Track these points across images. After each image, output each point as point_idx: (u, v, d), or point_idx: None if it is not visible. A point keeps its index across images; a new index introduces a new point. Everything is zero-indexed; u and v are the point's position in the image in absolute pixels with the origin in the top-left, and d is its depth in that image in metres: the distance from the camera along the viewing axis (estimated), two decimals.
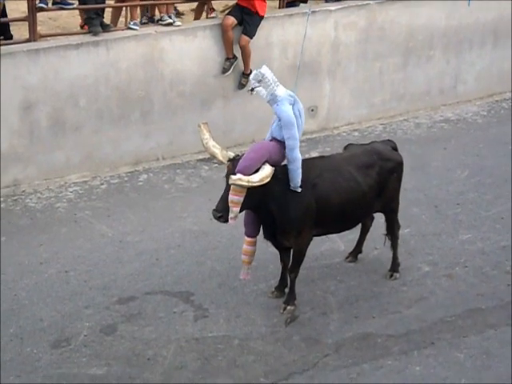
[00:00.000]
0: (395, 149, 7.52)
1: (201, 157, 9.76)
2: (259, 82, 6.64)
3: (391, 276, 7.59)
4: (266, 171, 6.49)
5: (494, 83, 12.14)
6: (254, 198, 6.50)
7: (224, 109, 9.96)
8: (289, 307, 7.07)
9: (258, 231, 6.99)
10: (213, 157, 6.90)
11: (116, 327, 6.82)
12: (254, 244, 7.02)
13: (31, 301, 7.07)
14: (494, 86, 12.15)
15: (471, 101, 11.95)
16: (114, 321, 6.90)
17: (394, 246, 7.59)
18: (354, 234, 7.73)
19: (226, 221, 6.53)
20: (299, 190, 6.65)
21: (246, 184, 6.36)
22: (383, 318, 7.08)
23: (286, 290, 7.19)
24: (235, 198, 6.44)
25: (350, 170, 7.01)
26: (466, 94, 11.95)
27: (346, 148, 7.55)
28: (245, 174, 6.40)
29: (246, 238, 7.02)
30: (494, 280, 7.65)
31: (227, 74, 9.76)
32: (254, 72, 6.70)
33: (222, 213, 6.52)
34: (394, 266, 7.62)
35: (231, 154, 6.73)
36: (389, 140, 7.85)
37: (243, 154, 6.67)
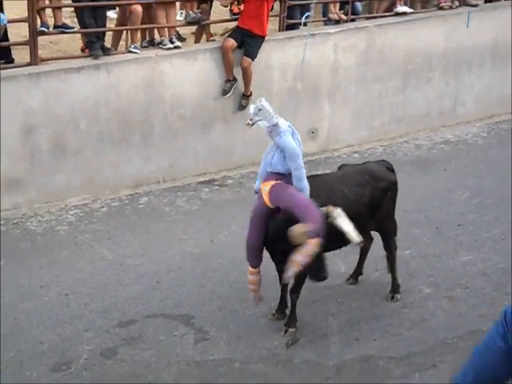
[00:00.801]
0: (390, 169, 7.53)
1: (201, 179, 9.79)
2: (258, 115, 6.60)
3: (392, 298, 7.57)
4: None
5: (493, 104, 12.19)
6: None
7: (224, 131, 9.99)
8: (290, 329, 7.05)
9: (261, 260, 6.98)
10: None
11: (116, 350, 6.79)
12: (258, 273, 7.00)
13: (31, 324, 7.05)
14: (493, 108, 12.20)
15: (471, 122, 12.00)
16: (115, 344, 6.87)
17: (393, 267, 7.58)
18: (354, 255, 7.72)
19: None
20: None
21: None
22: (384, 340, 7.04)
23: (287, 312, 7.17)
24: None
25: (343, 190, 7.04)
26: (465, 116, 12.00)
27: (340, 168, 7.58)
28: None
29: (250, 268, 6.99)
30: (494, 301, 7.62)
31: (227, 95, 9.80)
32: (252, 106, 6.67)
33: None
34: (395, 288, 7.60)
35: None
36: (383, 160, 7.87)
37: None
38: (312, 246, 6.26)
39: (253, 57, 9.66)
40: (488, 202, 9.47)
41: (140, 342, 6.90)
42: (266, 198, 6.69)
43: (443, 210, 9.29)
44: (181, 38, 10.41)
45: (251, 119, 6.68)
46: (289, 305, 7.13)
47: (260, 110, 6.59)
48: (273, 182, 6.68)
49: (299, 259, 6.30)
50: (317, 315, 7.33)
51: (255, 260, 6.96)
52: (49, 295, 7.48)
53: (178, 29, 10.40)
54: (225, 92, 9.78)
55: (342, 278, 7.83)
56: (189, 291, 7.61)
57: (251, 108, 6.68)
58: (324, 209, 6.58)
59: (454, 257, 8.35)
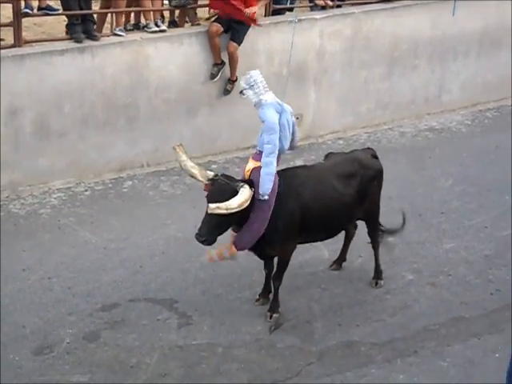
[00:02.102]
0: (375, 157, 7.55)
1: None
2: (249, 85, 6.69)
3: (376, 284, 7.60)
4: (245, 195, 6.49)
5: (478, 93, 12.22)
6: (236, 216, 6.52)
7: (210, 116, 9.96)
8: (274, 315, 7.07)
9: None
10: (192, 177, 6.88)
11: (99, 334, 6.79)
12: None
13: (14, 307, 7.02)
14: (478, 96, 12.23)
15: (455, 110, 12.03)
16: (98, 328, 6.86)
17: (376, 253, 7.61)
18: (338, 242, 7.73)
19: (210, 244, 6.60)
20: (266, 197, 6.61)
21: (225, 212, 6.37)
22: (367, 326, 7.08)
23: (271, 297, 7.19)
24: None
25: (331, 179, 7.05)
26: (450, 103, 12.02)
27: (326, 157, 7.58)
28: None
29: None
30: (477, 289, 7.69)
31: (215, 79, 9.78)
32: (245, 75, 6.76)
33: (205, 237, 6.55)
34: (378, 274, 7.64)
35: (210, 174, 6.71)
36: (368, 148, 7.89)
37: (222, 174, 6.71)
38: (229, 254, 6.69)
39: (239, 42, 9.62)
40: (471, 189, 9.51)
41: (123, 325, 6.90)
42: (246, 174, 6.81)
43: (427, 197, 9.32)
44: (175, 24, 10.28)
45: (242, 91, 6.77)
46: (272, 290, 7.14)
47: (251, 81, 6.69)
48: (259, 164, 6.70)
49: (213, 254, 6.77)
50: (300, 301, 7.35)
51: None
52: (32, 278, 7.45)
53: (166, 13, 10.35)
54: (212, 76, 9.75)
55: (326, 264, 7.86)
56: (172, 276, 7.61)
57: (242, 80, 6.76)
58: (242, 184, 6.57)
59: (438, 244, 8.39)
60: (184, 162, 6.79)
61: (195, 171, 6.76)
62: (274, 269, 7.07)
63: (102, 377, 6.32)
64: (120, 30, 9.30)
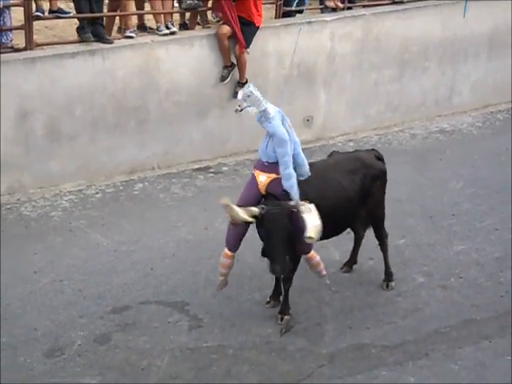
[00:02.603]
0: (380, 158, 7.53)
1: (196, 166, 9.78)
2: (247, 101, 6.54)
3: (387, 286, 7.59)
4: (314, 211, 6.60)
5: (489, 94, 12.18)
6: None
7: (220, 118, 9.97)
8: (286, 317, 7.06)
9: (238, 247, 6.99)
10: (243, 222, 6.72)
11: (110, 337, 6.80)
12: (231, 258, 7.00)
13: (25, 310, 7.05)
14: (489, 97, 12.19)
15: (466, 112, 11.99)
16: (109, 330, 6.87)
17: (385, 255, 7.60)
18: (348, 244, 7.74)
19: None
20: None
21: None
22: (378, 329, 7.07)
23: (281, 299, 7.19)
24: None
25: (335, 176, 7.09)
26: (461, 105, 11.99)
27: (330, 155, 7.60)
28: None
29: (226, 250, 6.98)
30: (488, 291, 7.66)
31: (226, 81, 9.79)
32: (240, 91, 6.61)
33: (283, 266, 6.65)
34: (388, 276, 7.62)
35: (255, 210, 6.60)
36: (373, 149, 7.88)
37: (263, 203, 6.67)
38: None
39: (247, 44, 9.63)
40: (482, 191, 9.48)
41: (134, 328, 6.91)
42: (261, 188, 6.74)
43: (437, 199, 9.30)
44: (186, 26, 10.29)
45: (239, 105, 6.65)
46: (282, 291, 7.14)
47: (248, 96, 6.54)
48: (273, 176, 6.69)
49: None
50: (311, 303, 7.35)
51: (233, 243, 6.95)
52: (43, 281, 7.47)
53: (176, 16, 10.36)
54: (223, 78, 9.76)
55: (336, 266, 7.84)
56: (183, 278, 7.62)
57: (239, 93, 6.63)
58: (297, 202, 6.59)
59: (448, 246, 8.37)
60: (241, 214, 6.57)
61: (245, 216, 6.60)
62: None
63: (112, 379, 6.33)
64: (130, 31, 9.33)
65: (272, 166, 6.68)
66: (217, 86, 9.81)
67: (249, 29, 9.61)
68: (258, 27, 9.66)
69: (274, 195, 6.68)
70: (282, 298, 7.18)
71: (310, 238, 6.52)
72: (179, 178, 9.58)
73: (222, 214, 8.54)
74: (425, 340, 6.95)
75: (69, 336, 6.77)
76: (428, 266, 8.02)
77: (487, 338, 7.00)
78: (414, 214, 8.90)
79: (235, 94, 9.88)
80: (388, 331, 7.04)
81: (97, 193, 9.13)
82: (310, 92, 10.49)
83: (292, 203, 6.58)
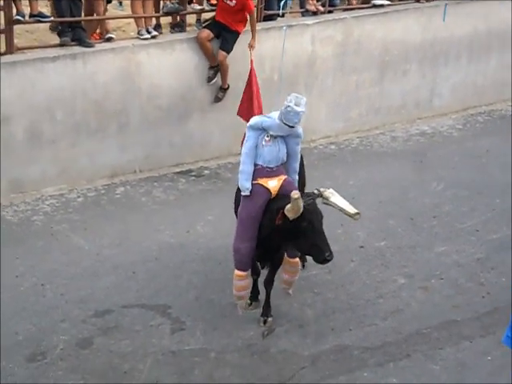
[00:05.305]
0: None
1: (178, 170, 9.79)
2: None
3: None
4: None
5: (469, 97, 12.26)
6: None
7: (201, 122, 9.97)
8: (269, 319, 7.09)
9: (251, 265, 6.94)
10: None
11: (92, 341, 6.79)
12: (248, 277, 6.94)
13: (6, 314, 7.01)
14: (469, 100, 12.27)
15: (447, 114, 12.06)
16: (91, 334, 6.87)
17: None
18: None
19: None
20: None
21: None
22: (359, 331, 7.10)
23: (260, 298, 7.21)
24: None
25: None
26: (441, 108, 12.06)
27: None
28: None
29: (239, 272, 6.84)
30: (469, 292, 7.71)
31: (212, 82, 9.80)
32: (303, 100, 6.88)
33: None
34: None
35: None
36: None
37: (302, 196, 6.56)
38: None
39: (228, 50, 9.64)
40: (463, 193, 9.54)
41: (116, 332, 6.90)
42: (274, 193, 6.68)
43: (418, 201, 9.35)
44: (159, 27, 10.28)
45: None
46: (261, 292, 7.18)
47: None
48: (283, 177, 6.73)
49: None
50: (292, 305, 7.37)
51: (247, 262, 6.84)
52: (24, 285, 7.45)
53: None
54: (209, 79, 9.78)
55: (318, 268, 7.85)
56: (165, 281, 7.62)
57: (303, 104, 6.86)
58: (316, 191, 6.61)
59: (429, 248, 8.42)
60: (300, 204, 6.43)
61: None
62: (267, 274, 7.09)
63: (95, 383, 6.32)
64: (110, 33, 9.33)
65: (279, 168, 6.77)
66: (198, 90, 9.82)
67: (230, 35, 9.63)
68: (239, 33, 9.68)
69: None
70: (260, 297, 7.19)
71: (358, 213, 6.56)
72: (161, 181, 9.58)
73: (203, 217, 8.65)
74: (406, 341, 6.99)
75: (51, 340, 6.75)
76: (409, 267, 8.06)
77: (468, 339, 7.05)
78: (395, 215, 8.94)
79: (216, 99, 9.92)
80: (369, 333, 7.07)
81: (78, 197, 9.11)
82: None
83: (316, 191, 6.60)
